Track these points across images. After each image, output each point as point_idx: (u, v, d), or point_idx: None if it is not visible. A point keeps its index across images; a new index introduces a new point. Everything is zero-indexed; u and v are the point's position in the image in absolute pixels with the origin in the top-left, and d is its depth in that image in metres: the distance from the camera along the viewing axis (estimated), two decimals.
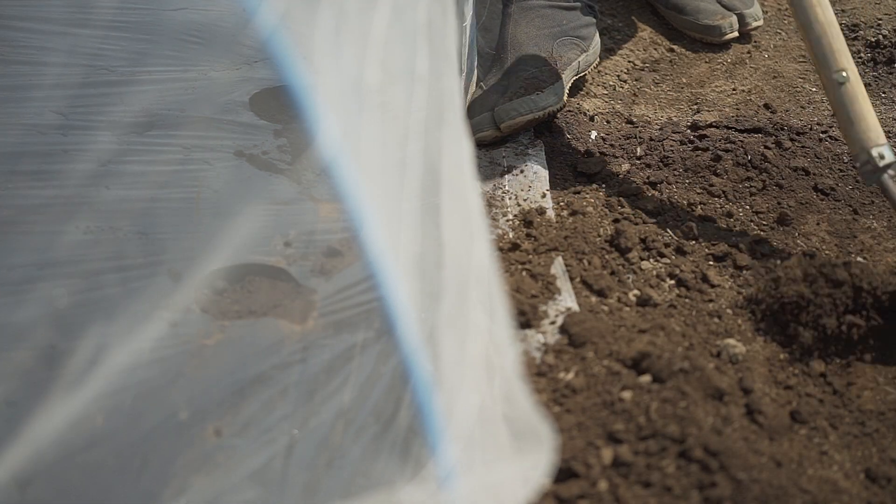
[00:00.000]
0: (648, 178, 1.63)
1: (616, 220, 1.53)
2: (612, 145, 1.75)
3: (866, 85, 1.93)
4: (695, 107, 1.89)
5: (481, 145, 1.70)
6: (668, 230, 1.49)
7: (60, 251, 1.14)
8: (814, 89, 1.92)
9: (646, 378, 1.18)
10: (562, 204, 1.59)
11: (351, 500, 0.94)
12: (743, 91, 1.93)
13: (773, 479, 1.06)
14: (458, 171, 0.96)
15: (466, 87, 1.76)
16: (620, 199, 1.58)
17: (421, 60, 0.93)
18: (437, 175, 0.94)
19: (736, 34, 2.06)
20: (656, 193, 1.59)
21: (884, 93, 1.91)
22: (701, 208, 1.55)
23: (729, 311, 1.36)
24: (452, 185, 0.95)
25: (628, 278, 1.42)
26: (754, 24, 2.06)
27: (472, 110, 1.72)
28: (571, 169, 1.69)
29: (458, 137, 0.97)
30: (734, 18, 2.05)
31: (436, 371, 0.94)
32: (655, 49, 2.08)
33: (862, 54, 2.02)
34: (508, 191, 1.61)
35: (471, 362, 0.93)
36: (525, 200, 1.58)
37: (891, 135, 1.78)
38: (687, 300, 1.37)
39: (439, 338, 0.94)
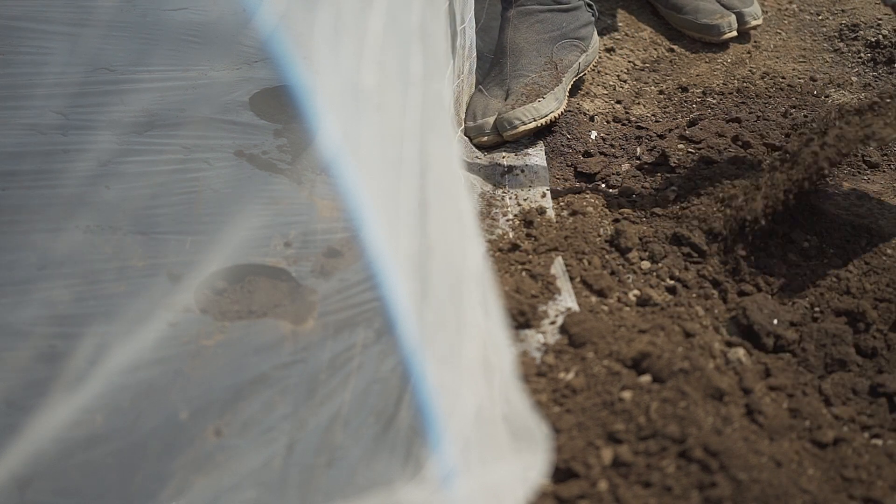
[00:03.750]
0: (648, 177, 1.63)
1: (616, 220, 1.53)
2: (612, 145, 1.75)
3: (866, 85, 1.93)
4: (694, 106, 1.89)
5: (482, 148, 1.71)
6: (669, 230, 1.49)
7: (60, 251, 1.14)
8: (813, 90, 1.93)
9: (646, 378, 1.18)
10: (562, 204, 1.59)
11: (351, 500, 0.94)
12: None
13: (773, 479, 1.06)
14: (448, 172, 0.96)
15: (465, 89, 1.76)
16: (620, 199, 1.59)
17: (415, 62, 0.93)
18: (430, 175, 0.94)
19: (735, 33, 2.06)
20: (656, 193, 1.59)
21: None
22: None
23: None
24: (444, 186, 0.95)
25: (628, 278, 1.42)
26: (753, 22, 2.06)
27: (474, 114, 1.73)
28: (571, 169, 1.69)
29: (446, 139, 0.97)
30: (733, 18, 2.05)
31: (435, 371, 0.94)
32: (655, 49, 2.08)
33: (862, 54, 2.02)
34: (508, 191, 1.61)
35: (469, 362, 0.93)
36: (525, 200, 1.58)
37: None
38: (687, 300, 1.37)
39: (438, 338, 0.94)
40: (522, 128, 1.68)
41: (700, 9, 2.07)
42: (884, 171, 1.66)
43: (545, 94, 1.72)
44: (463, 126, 1.74)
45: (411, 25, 0.93)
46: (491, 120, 1.70)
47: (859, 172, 1.65)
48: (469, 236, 0.96)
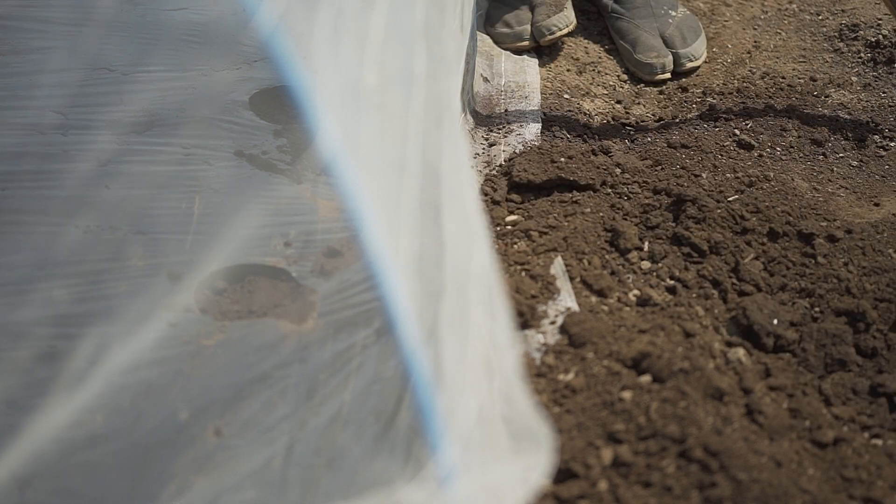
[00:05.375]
0: (649, 177, 1.63)
1: (616, 220, 1.53)
2: (612, 145, 1.75)
3: (866, 85, 1.93)
4: (694, 106, 1.89)
5: (516, 52, 1.99)
6: (669, 229, 1.49)
7: (60, 251, 1.14)
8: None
9: (646, 378, 1.18)
10: (562, 203, 1.59)
11: (351, 500, 0.94)
12: None
13: (773, 479, 1.06)
14: (455, 171, 0.96)
15: (465, 87, 1.77)
16: (621, 199, 1.58)
17: (419, 62, 0.93)
18: (435, 176, 0.94)
19: (668, 76, 1.97)
20: (657, 193, 1.59)
21: (884, 93, 1.91)
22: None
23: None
24: (451, 185, 0.95)
25: (628, 278, 1.42)
26: (689, 64, 1.97)
27: (507, 23, 2.01)
28: None
29: (455, 138, 0.97)
30: (669, 59, 1.96)
31: (436, 371, 0.94)
32: None
33: (862, 54, 2.02)
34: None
35: (471, 363, 0.93)
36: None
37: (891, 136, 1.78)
38: (687, 300, 1.37)
39: (439, 338, 0.94)
40: (559, 33, 1.98)
41: (640, 42, 1.99)
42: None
43: (565, 4, 2.01)
44: (491, 31, 2.03)
45: (415, 24, 0.93)
46: (527, 27, 1.99)
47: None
48: (475, 236, 0.96)
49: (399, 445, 0.98)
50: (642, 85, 1.97)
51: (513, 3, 2.03)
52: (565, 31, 1.99)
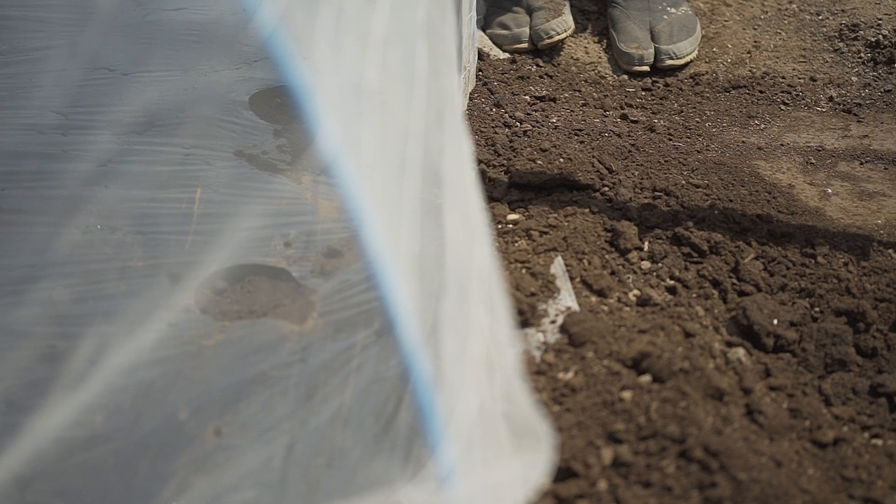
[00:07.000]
0: (648, 178, 1.63)
1: (616, 220, 1.53)
2: (612, 146, 1.75)
3: (866, 85, 1.93)
4: (695, 107, 1.89)
5: (513, 53, 2.03)
6: (669, 230, 1.49)
7: (60, 251, 1.14)
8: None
9: (646, 378, 1.18)
10: (562, 204, 1.59)
11: (351, 500, 0.94)
12: None
13: (773, 479, 1.06)
14: (458, 169, 0.96)
15: (470, 79, 1.77)
16: (621, 199, 1.59)
17: (420, 60, 0.93)
18: (437, 174, 0.94)
19: (646, 68, 1.98)
20: (657, 194, 1.59)
21: (883, 92, 1.91)
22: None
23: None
24: (453, 184, 0.95)
25: (628, 278, 1.41)
26: (668, 62, 1.97)
27: (506, 25, 2.02)
28: None
29: (457, 137, 0.97)
30: (650, 52, 1.97)
31: (436, 370, 0.94)
32: None
33: (862, 54, 2.03)
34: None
35: (471, 361, 0.93)
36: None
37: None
38: (687, 300, 1.37)
39: (440, 337, 0.94)
40: (556, 37, 2.01)
41: (626, 31, 2.01)
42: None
43: (563, 10, 2.04)
44: (490, 33, 2.05)
45: (417, 22, 0.93)
46: (526, 30, 2.02)
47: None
48: (476, 234, 0.96)
49: (399, 445, 0.98)
50: (641, 84, 1.97)
51: (510, 7, 2.06)
52: (563, 35, 2.02)
